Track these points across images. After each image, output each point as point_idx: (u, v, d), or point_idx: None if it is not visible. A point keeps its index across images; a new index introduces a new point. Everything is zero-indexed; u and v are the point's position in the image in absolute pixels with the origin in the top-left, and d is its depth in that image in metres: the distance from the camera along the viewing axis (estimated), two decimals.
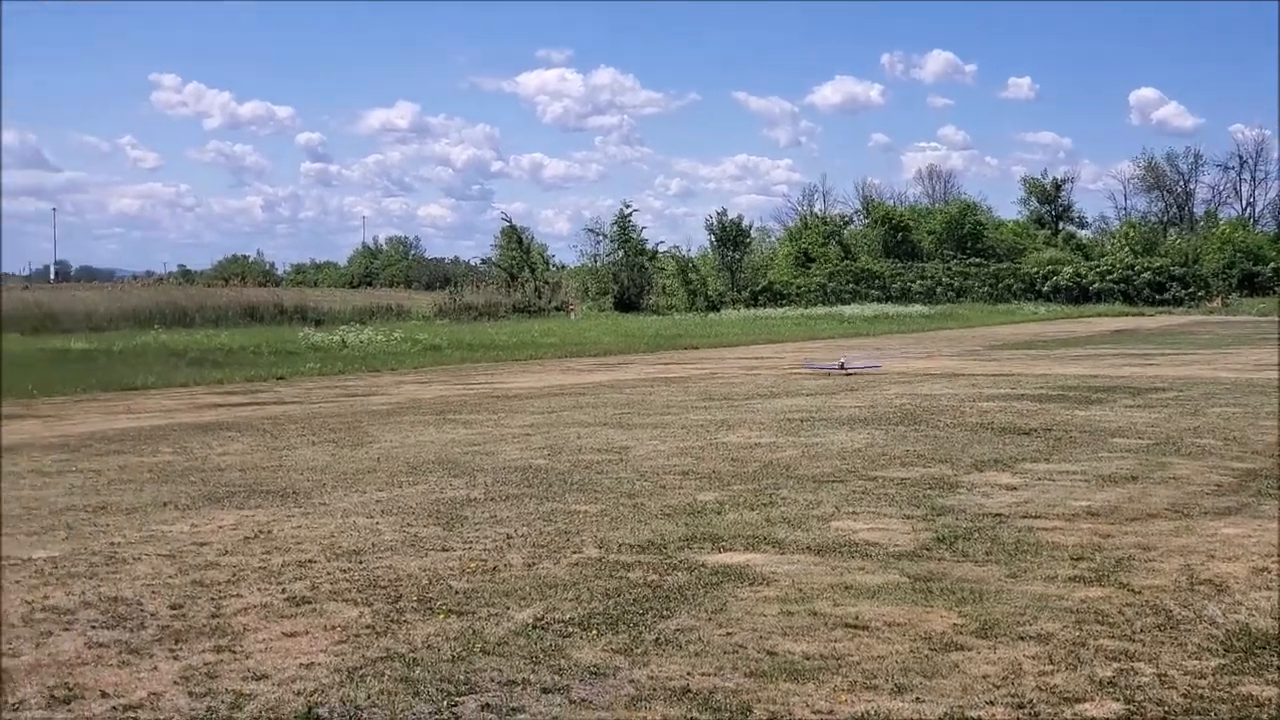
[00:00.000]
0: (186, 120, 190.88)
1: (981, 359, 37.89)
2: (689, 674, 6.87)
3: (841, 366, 31.05)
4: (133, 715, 6.27)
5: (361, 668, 7.05)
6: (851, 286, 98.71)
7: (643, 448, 16.63)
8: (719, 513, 11.72)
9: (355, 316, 60.74)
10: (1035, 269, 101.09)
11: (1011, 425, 18.76)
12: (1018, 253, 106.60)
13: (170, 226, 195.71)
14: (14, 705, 6.45)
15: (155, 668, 7.08)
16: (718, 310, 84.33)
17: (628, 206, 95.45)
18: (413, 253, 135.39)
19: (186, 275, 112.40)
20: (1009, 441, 16.85)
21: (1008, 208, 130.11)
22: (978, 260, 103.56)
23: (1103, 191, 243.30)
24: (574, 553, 10.00)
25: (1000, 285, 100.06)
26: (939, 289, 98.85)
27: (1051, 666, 6.96)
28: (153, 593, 8.79)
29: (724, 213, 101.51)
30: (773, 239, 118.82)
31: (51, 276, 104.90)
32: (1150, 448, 16.12)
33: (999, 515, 11.47)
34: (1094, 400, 22.97)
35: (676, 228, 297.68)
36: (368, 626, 7.91)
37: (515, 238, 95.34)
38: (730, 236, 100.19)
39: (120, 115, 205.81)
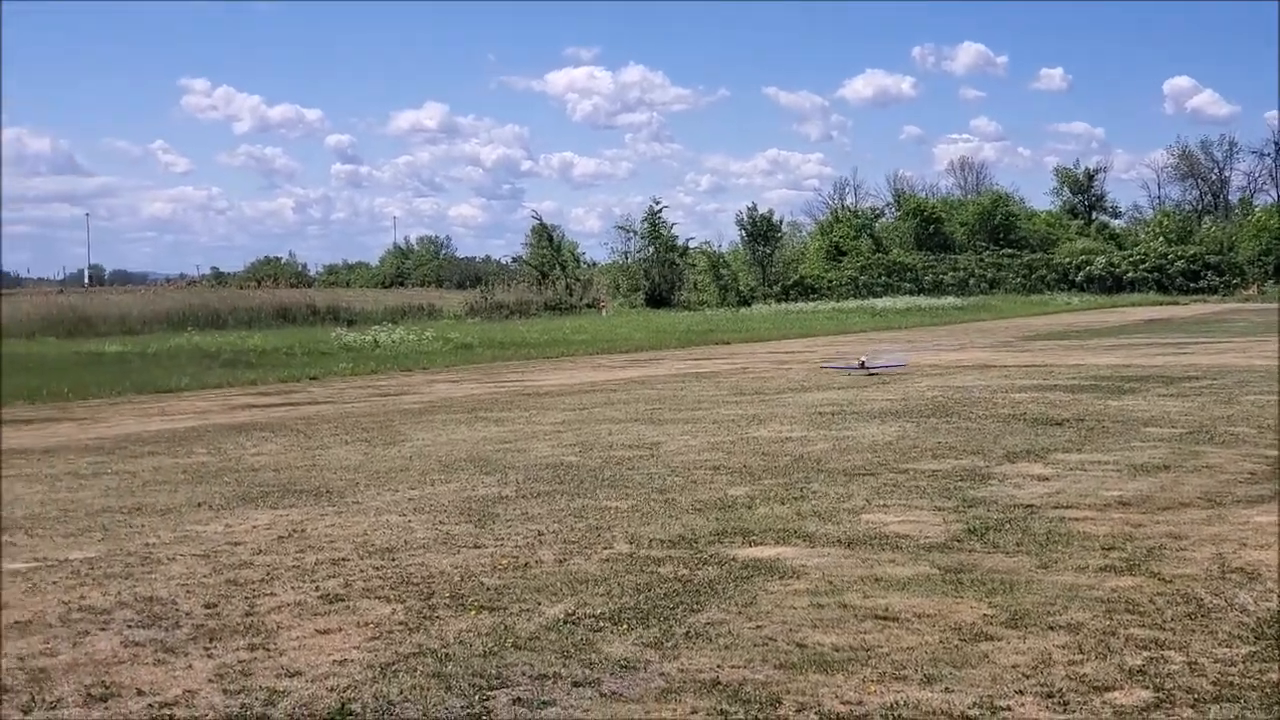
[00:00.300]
0: (217, 124, 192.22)
1: (1014, 350, 37.75)
2: (719, 666, 6.90)
3: (862, 365, 28.36)
4: (168, 713, 6.34)
5: (394, 663, 7.11)
6: (883, 279, 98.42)
7: (674, 443, 16.65)
8: (750, 507, 11.74)
9: (387, 316, 60.97)
10: (1068, 259, 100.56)
11: (1044, 416, 18.69)
12: (1050, 243, 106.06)
13: (202, 230, 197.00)
14: (51, 704, 6.54)
15: (190, 666, 7.16)
16: (749, 305, 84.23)
17: (658, 203, 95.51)
18: (444, 252, 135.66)
19: (219, 277, 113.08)
20: (1041, 432, 16.80)
21: (1040, 198, 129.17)
22: (1010, 251, 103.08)
23: (1136, 181, 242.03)
24: (605, 548, 10.04)
25: (1033, 276, 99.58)
26: (971, 281, 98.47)
27: (1081, 656, 6.95)
28: (187, 592, 8.88)
29: (754, 208, 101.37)
30: (804, 233, 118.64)
31: (85, 281, 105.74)
32: (1183, 436, 16.05)
33: (1030, 506, 11.44)
34: (1127, 390, 22.86)
35: (707, 224, 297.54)
36: (400, 623, 7.97)
37: (546, 236, 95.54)
38: (761, 231, 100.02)
39: (151, 120, 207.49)
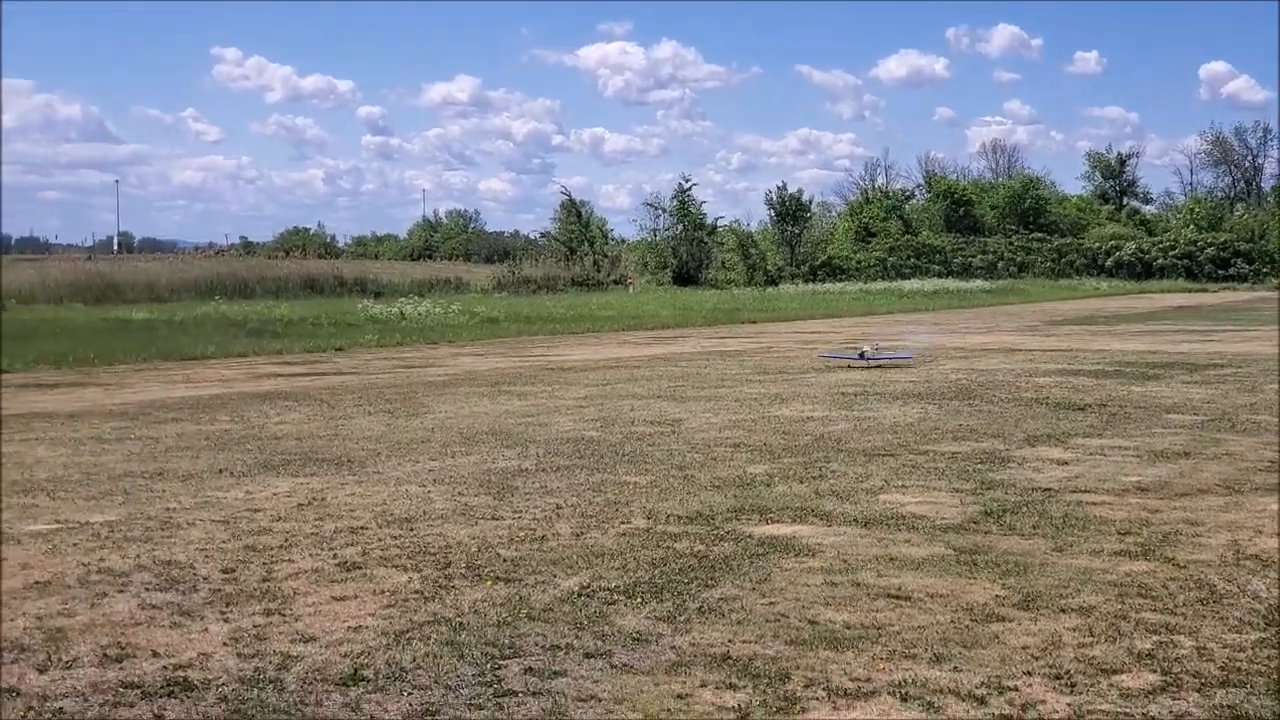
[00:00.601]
0: (248, 94, 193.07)
1: (1041, 334, 37.61)
2: (730, 641, 6.94)
3: (861, 355, 25.78)
4: (182, 675, 6.41)
5: (408, 631, 7.17)
6: (912, 261, 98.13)
7: (695, 420, 16.68)
8: (768, 485, 11.76)
9: (414, 289, 61.10)
10: (1098, 244, 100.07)
11: (1067, 400, 18.64)
12: (1081, 228, 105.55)
13: (232, 199, 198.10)
14: (67, 663, 6.62)
15: (206, 629, 7.23)
16: (776, 285, 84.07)
17: (687, 180, 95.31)
18: (472, 226, 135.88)
19: (248, 247, 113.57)
20: (1063, 417, 16.76)
21: (1072, 183, 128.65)
22: (1040, 235, 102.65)
23: (1169, 167, 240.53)
24: (622, 523, 10.09)
25: (1062, 261, 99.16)
26: (1000, 264, 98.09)
27: (1091, 639, 6.96)
28: (206, 557, 8.96)
29: (784, 187, 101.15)
30: (833, 214, 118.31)
31: (115, 248, 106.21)
32: (1205, 424, 15.99)
33: (1048, 490, 11.43)
34: (1151, 376, 22.78)
35: (738, 202, 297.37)
36: (416, 592, 8.03)
37: (574, 211, 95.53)
38: (790, 211, 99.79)
39: (182, 88, 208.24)
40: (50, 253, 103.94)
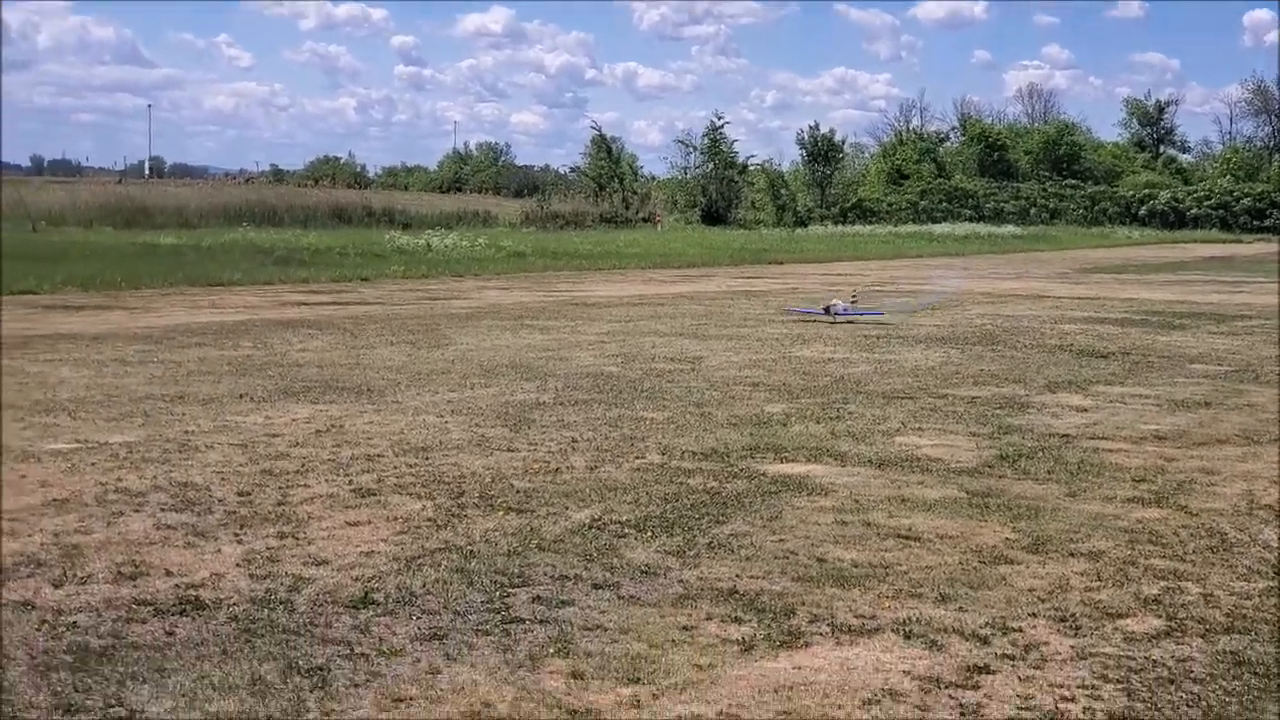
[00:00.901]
0: (281, 20, 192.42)
1: (1070, 281, 37.39)
2: (737, 576, 6.97)
3: (827, 311, 22.50)
4: (194, 594, 6.49)
5: (419, 558, 7.23)
6: (944, 205, 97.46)
7: (715, 359, 16.68)
8: (784, 424, 11.77)
9: (442, 221, 61.10)
10: (1132, 192, 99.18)
11: (1090, 348, 18.56)
12: (1115, 175, 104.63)
13: (264, 126, 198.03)
14: (81, 579, 6.71)
15: (219, 550, 7.31)
16: (805, 226, 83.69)
17: (719, 118, 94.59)
18: (503, 159, 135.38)
19: (278, 175, 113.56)
20: (1085, 364, 16.69)
21: (1108, 130, 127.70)
22: (1074, 182, 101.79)
23: (1208, 115, 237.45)
24: (637, 458, 10.12)
25: (1096, 208, 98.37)
26: (1033, 210, 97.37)
27: (1099, 583, 6.97)
28: (222, 479, 9.04)
29: (816, 127, 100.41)
30: (866, 155, 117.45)
31: (145, 172, 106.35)
32: (1228, 374, 15.91)
33: (1066, 436, 11.41)
34: (1177, 326, 22.64)
35: (771, 141, 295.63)
36: (429, 519, 8.09)
37: (605, 147, 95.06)
38: (822, 151, 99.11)
39: (216, 13, 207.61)
40: (82, 175, 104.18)
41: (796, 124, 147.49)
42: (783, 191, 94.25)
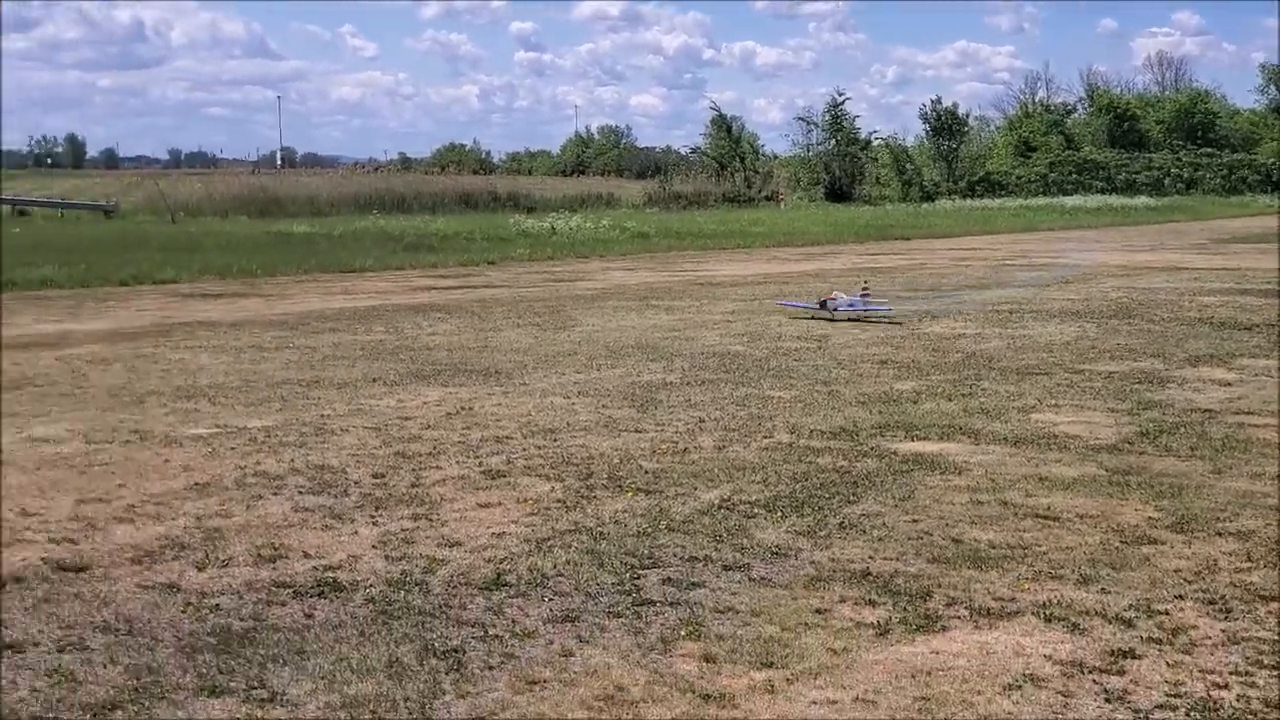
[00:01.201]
0: (403, 10, 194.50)
1: (1208, 253, 36.37)
2: (870, 558, 6.87)
3: (822, 305, 18.85)
4: (332, 576, 6.57)
5: (550, 539, 7.24)
6: (1074, 177, 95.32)
7: (842, 336, 16.51)
8: (915, 402, 11.60)
9: (566, 204, 61.37)
10: (1272, 160, 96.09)
11: (1232, 320, 18.02)
12: (1254, 143, 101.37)
13: (390, 115, 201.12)
14: (223, 562, 6.83)
15: (355, 532, 7.40)
16: (932, 201, 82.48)
17: (840, 95, 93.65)
18: (624, 141, 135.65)
19: (406, 163, 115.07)
20: (1227, 337, 16.21)
21: (1244, 96, 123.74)
22: (1209, 151, 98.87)
23: None
24: (765, 437, 10.04)
25: (1233, 177, 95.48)
26: (1167, 180, 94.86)
27: (1249, 564, 6.74)
28: (357, 462, 9.16)
29: (938, 101, 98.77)
30: (992, 128, 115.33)
31: (277, 163, 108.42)
32: None
33: (1209, 411, 11.08)
34: None
35: (892, 117, 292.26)
36: (558, 501, 8.10)
37: (725, 127, 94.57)
38: (946, 125, 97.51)
39: (339, 5, 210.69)
40: (216, 167, 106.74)
41: (918, 99, 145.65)
42: (908, 166, 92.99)
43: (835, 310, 18.63)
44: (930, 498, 8.15)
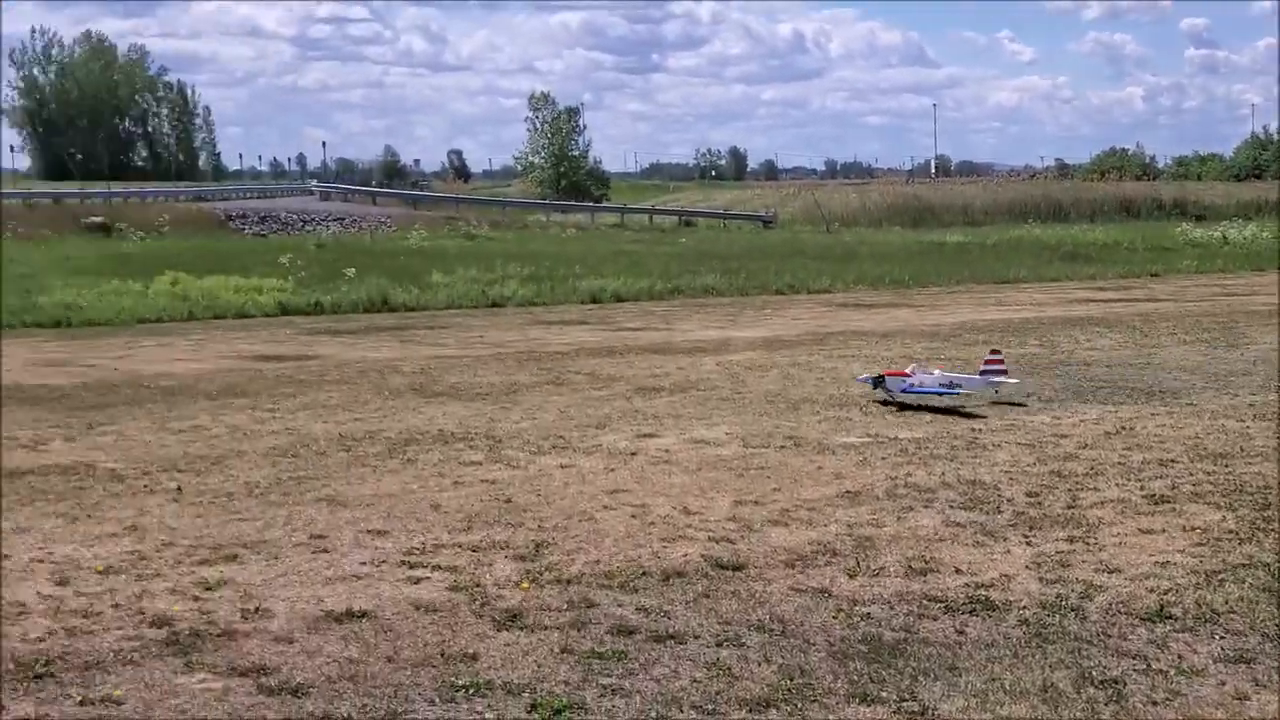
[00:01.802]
0: (1063, 12, 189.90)
1: None
2: None
3: (878, 384, 12.26)
4: (984, 594, 6.44)
5: (1220, 572, 6.73)
6: None
7: None
8: None
9: (1239, 211, 57.28)
10: None
11: None
12: None
13: (1047, 119, 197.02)
14: (874, 571, 6.86)
15: (1008, 551, 7.22)
16: None
17: None
18: None
19: (1063, 169, 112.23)
20: None
21: None
22: None
23: None
24: None
25: None
26: None
27: None
28: (1010, 479, 8.95)
29: None
30: None
31: (932, 171, 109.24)
32: None
33: None
34: None
35: None
36: (1230, 531, 7.52)
37: None
38: None
39: (998, 10, 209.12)
40: (872, 177, 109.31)
41: None
42: None
43: (891, 392, 12.18)
44: None
